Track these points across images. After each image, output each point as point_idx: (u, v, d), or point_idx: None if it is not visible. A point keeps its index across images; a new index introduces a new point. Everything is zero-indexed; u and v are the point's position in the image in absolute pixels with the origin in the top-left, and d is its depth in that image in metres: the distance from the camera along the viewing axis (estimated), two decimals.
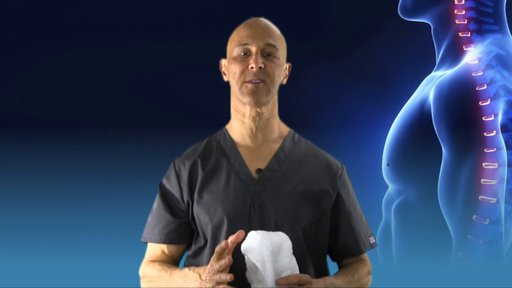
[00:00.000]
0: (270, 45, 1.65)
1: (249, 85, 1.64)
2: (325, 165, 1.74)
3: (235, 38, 1.69)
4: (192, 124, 3.32)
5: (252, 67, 1.64)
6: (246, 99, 1.65)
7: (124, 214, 3.56)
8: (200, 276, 1.57)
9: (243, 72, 1.65)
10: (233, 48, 1.68)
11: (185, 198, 1.70)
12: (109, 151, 3.70)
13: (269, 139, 1.73)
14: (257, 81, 1.64)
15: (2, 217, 3.65)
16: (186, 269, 1.63)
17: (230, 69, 1.68)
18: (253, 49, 1.65)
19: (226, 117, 1.78)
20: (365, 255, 1.78)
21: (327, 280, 1.63)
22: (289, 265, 1.54)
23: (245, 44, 1.65)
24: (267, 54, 1.65)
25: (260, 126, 1.71)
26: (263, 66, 1.64)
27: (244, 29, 1.68)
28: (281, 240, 1.55)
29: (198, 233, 1.70)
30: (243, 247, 1.55)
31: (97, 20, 3.87)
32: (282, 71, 1.70)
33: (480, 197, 3.21)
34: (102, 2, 3.89)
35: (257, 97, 1.65)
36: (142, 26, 3.89)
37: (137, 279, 1.77)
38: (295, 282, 1.52)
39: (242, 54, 1.66)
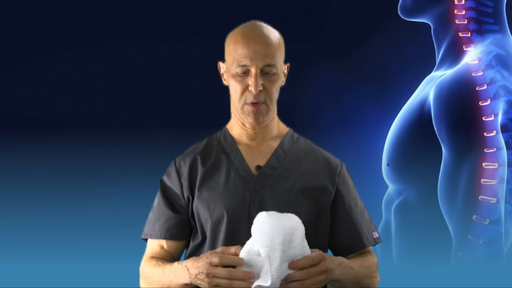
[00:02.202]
0: (268, 65, 1.65)
1: (250, 107, 1.66)
2: (324, 162, 1.76)
3: (232, 53, 1.67)
4: (192, 124, 3.31)
5: (251, 90, 1.65)
6: (248, 121, 1.69)
7: (124, 214, 3.56)
8: (187, 269, 1.56)
9: (243, 92, 1.66)
10: (231, 63, 1.67)
11: (186, 194, 1.71)
12: (109, 151, 3.70)
13: (268, 138, 1.76)
14: (257, 102, 1.66)
15: (2, 217, 3.65)
16: (176, 263, 1.63)
17: (230, 83, 1.70)
18: (252, 70, 1.65)
19: (226, 117, 1.79)
20: (371, 249, 1.76)
21: (340, 259, 1.61)
22: (301, 252, 1.49)
23: (244, 66, 1.65)
24: (266, 72, 1.66)
25: (259, 131, 1.75)
26: (262, 88, 1.65)
27: (242, 46, 1.65)
28: (295, 226, 1.48)
29: (196, 229, 1.71)
30: (252, 230, 1.50)
31: (97, 20, 3.87)
32: (281, 79, 1.71)
33: (480, 197, 3.21)
34: (102, 2, 3.88)
35: (258, 119, 1.68)
36: (142, 26, 3.88)
37: (137, 279, 1.77)
38: (307, 265, 1.49)
39: (241, 73, 1.66)
